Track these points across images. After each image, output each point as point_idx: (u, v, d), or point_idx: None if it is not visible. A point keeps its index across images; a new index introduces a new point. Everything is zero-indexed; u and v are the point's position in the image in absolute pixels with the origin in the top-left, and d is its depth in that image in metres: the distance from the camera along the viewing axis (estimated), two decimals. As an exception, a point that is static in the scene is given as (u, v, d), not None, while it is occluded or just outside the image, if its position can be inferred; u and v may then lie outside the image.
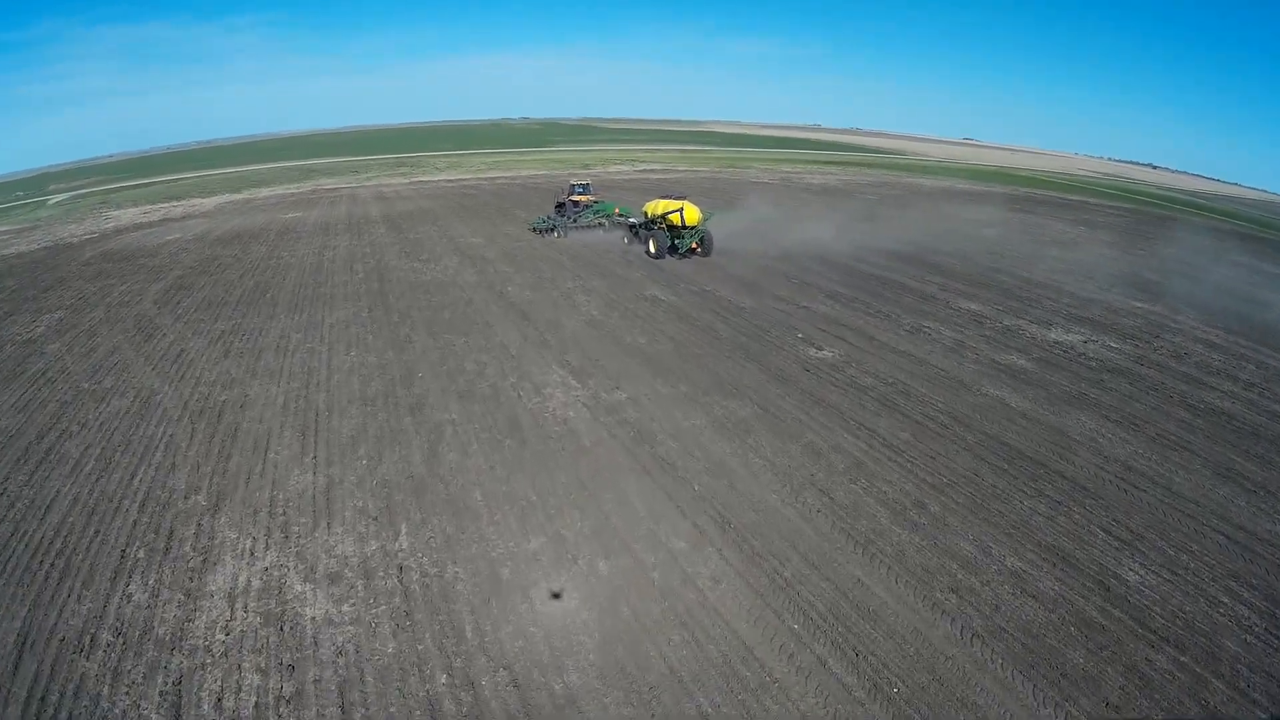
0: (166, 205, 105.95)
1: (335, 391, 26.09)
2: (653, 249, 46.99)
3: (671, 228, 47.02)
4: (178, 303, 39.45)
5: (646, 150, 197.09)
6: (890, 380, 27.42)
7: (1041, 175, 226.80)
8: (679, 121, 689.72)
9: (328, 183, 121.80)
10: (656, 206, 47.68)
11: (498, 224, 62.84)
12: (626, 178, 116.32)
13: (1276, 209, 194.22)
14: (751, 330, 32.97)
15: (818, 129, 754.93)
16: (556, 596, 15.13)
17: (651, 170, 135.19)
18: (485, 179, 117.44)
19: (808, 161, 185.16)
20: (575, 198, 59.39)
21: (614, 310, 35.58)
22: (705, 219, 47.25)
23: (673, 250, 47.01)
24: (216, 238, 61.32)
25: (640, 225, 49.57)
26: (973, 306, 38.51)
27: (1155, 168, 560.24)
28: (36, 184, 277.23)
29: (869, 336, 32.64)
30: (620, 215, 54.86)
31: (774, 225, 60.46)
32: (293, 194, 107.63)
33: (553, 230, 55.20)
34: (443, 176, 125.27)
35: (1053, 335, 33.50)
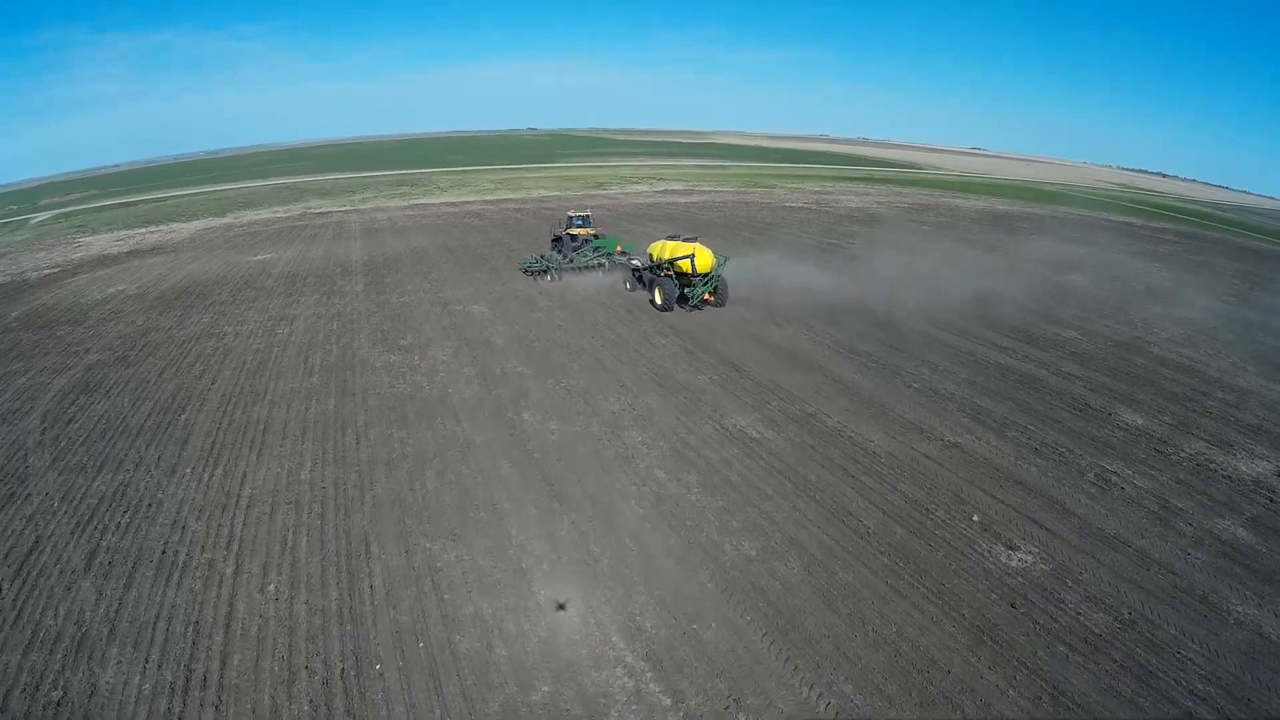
0: (142, 231, 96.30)
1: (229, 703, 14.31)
2: (659, 300, 40.50)
3: (680, 275, 40.23)
4: (69, 423, 27.99)
5: (665, 166, 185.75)
6: (1123, 611, 16.83)
7: (1069, 190, 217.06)
8: (686, 133, 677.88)
9: (319, 206, 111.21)
10: (664, 249, 41.01)
11: (504, 274, 50.55)
12: (648, 200, 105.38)
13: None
14: (903, 508, 20.93)
15: (824, 139, 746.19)
16: None
17: (673, 190, 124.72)
18: (491, 202, 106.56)
19: (833, 179, 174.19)
20: (574, 231, 53.96)
21: (688, 467, 23.17)
22: (720, 264, 40.50)
23: (682, 300, 40.40)
24: (160, 294, 49.52)
25: (645, 269, 43.04)
26: (1138, 421, 27.67)
27: (1165, 176, 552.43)
28: (36, 195, 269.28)
29: (1060, 507, 21.21)
30: (622, 253, 49.15)
31: (841, 271, 50.92)
32: (278, 219, 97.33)
33: (545, 273, 48.20)
34: (445, 199, 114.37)
35: (1241, 466, 24.48)
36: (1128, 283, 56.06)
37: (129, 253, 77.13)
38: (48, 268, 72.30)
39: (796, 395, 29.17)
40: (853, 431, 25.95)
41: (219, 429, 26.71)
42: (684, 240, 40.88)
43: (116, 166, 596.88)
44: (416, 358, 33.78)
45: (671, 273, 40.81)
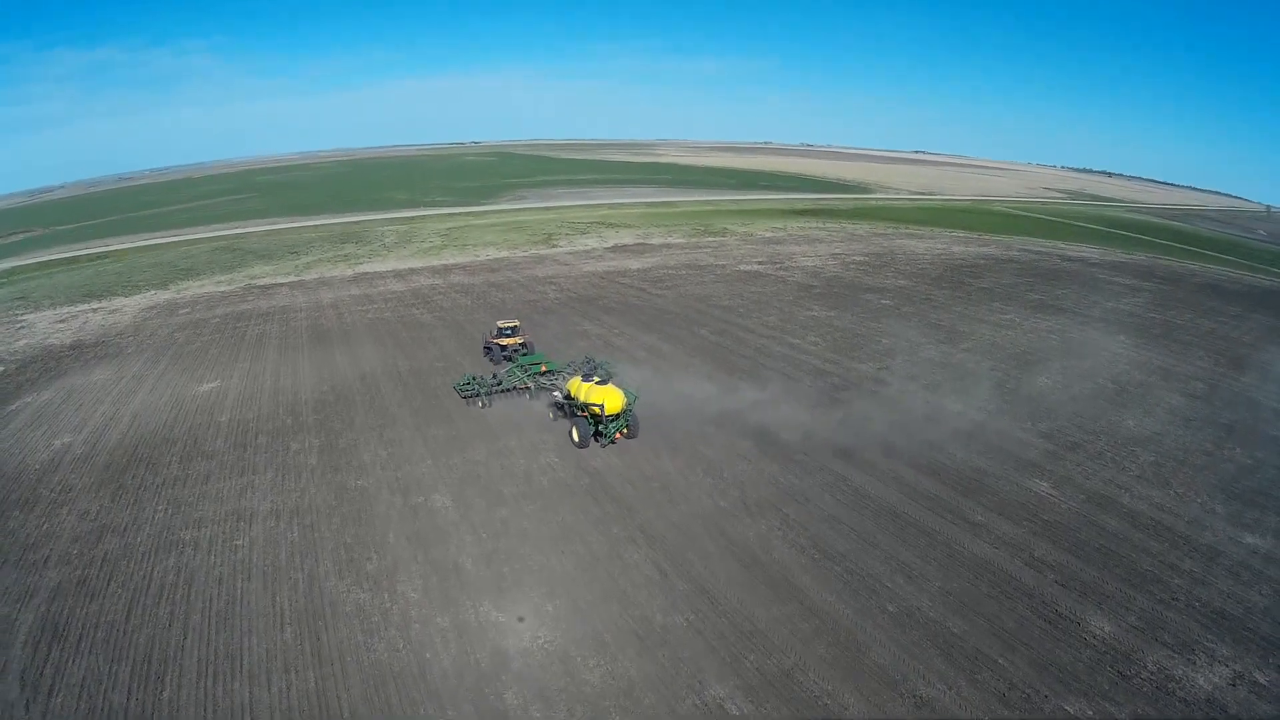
0: (85, 309, 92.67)
1: None
2: (576, 438, 44.34)
3: (594, 416, 43.96)
4: (51, 694, 25.60)
5: (613, 206, 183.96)
6: None
7: (1020, 210, 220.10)
8: (630, 145, 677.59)
9: (261, 275, 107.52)
10: (580, 389, 44.90)
11: (457, 423, 48.44)
12: (601, 269, 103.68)
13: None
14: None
15: (769, 146, 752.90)
16: None
17: (624, 247, 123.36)
18: (438, 271, 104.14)
19: (784, 213, 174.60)
20: (503, 341, 60.11)
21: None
22: (630, 402, 44.50)
23: (597, 436, 44.32)
24: (109, 456, 45.15)
25: (565, 401, 46.76)
26: (1105, 628, 28.64)
27: (1110, 175, 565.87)
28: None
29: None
30: (547, 372, 53.96)
31: (811, 412, 49.46)
32: (220, 296, 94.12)
33: (476, 397, 51.47)
34: (391, 265, 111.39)
35: (1199, 679, 26.23)
36: (1096, 381, 57.47)
37: (71, 346, 74.04)
38: None
39: (774, 643, 28.02)
40: (829, 696, 25.32)
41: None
42: (597, 383, 44.52)
43: (62, 186, 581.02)
44: (386, 598, 31.47)
45: (586, 414, 44.41)
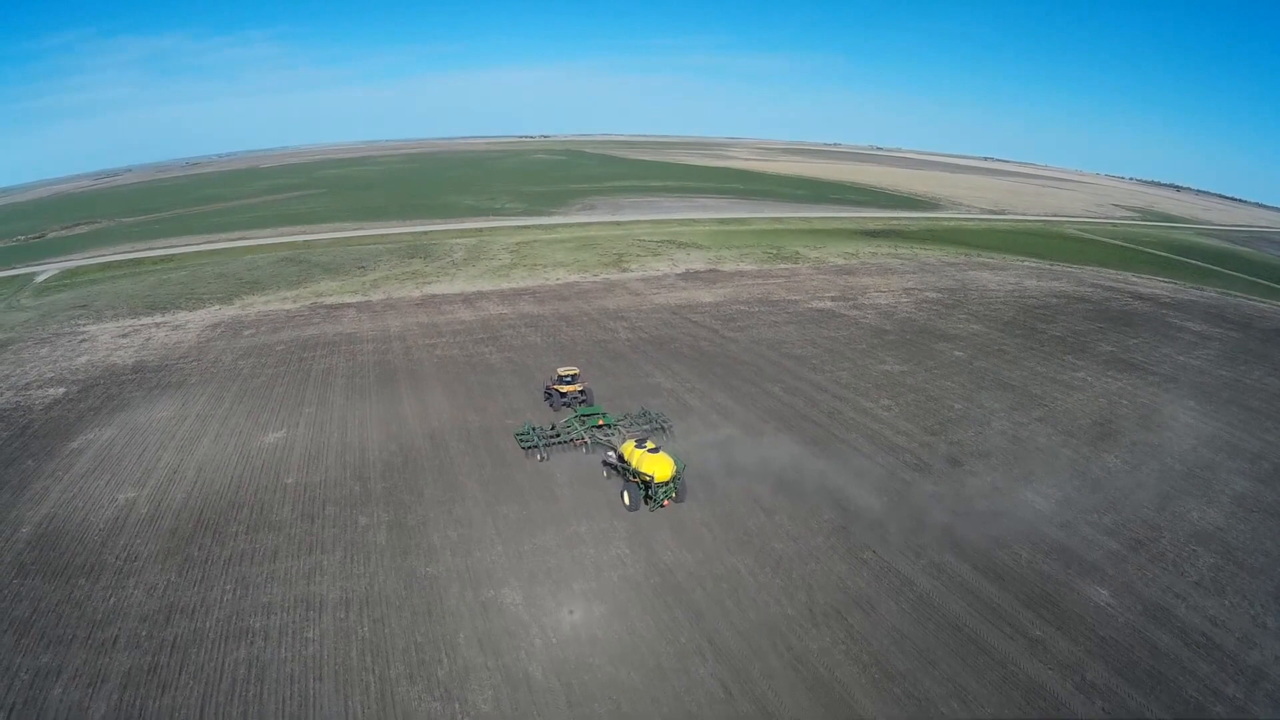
0: (149, 321, 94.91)
1: None
2: (627, 501, 46.17)
3: (645, 483, 45.32)
4: None
5: (684, 222, 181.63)
6: None
7: (1086, 230, 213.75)
8: (702, 143, 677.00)
9: (328, 293, 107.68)
10: (631, 455, 46.61)
11: (527, 498, 47.35)
12: (672, 302, 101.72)
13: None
14: None
15: (838, 148, 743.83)
16: None
17: (695, 273, 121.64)
18: (508, 300, 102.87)
19: (855, 235, 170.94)
20: (563, 388, 61.83)
21: None
22: (679, 470, 45.89)
23: (647, 500, 45.69)
24: (174, 520, 44.78)
25: (617, 462, 48.15)
26: None
27: (1179, 189, 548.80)
28: (43, 213, 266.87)
29: None
30: (605, 426, 55.48)
31: (899, 501, 48.04)
32: (285, 317, 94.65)
33: (535, 449, 52.93)
34: (458, 288, 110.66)
35: None
36: (1163, 461, 55.62)
37: (133, 368, 74.83)
38: (51, 383, 71.30)
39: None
40: None
41: None
42: (650, 450, 46.07)
43: (129, 170, 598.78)
44: (457, 708, 30.89)
45: (638, 480, 45.65)
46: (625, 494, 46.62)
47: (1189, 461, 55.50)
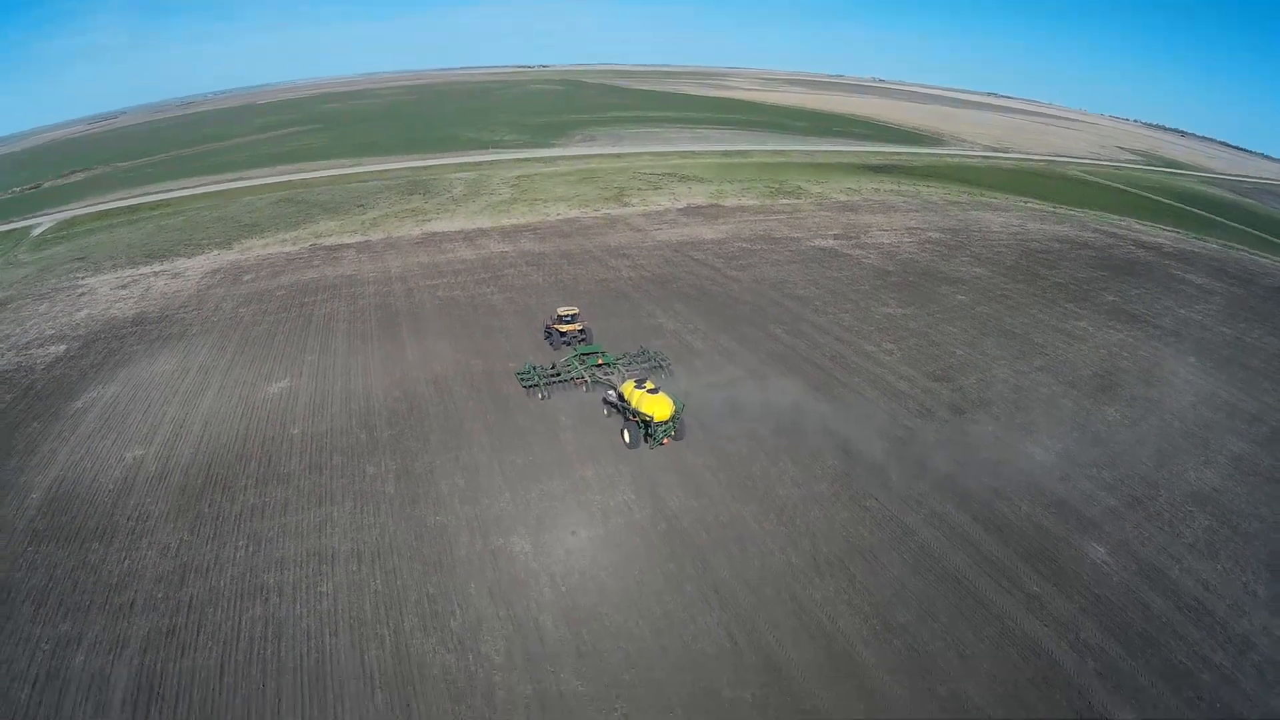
0: (147, 270, 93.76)
1: None
2: (628, 439, 47.31)
3: (645, 423, 46.26)
4: None
5: (685, 154, 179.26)
6: None
7: (1090, 172, 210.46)
8: (702, 73, 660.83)
9: (326, 233, 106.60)
10: (632, 395, 47.45)
11: (533, 446, 47.73)
12: (673, 238, 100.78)
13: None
14: None
15: (840, 80, 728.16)
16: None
17: (697, 207, 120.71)
18: (509, 237, 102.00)
19: (854, 169, 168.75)
20: (562, 327, 62.94)
21: None
22: (678, 410, 46.55)
23: (647, 438, 46.70)
24: (183, 476, 45.19)
25: (618, 402, 49.01)
26: None
27: (1183, 134, 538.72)
28: (41, 162, 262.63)
29: None
30: (604, 365, 56.06)
31: (902, 449, 48.53)
32: (284, 260, 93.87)
33: (535, 388, 54.07)
34: (459, 225, 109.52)
35: None
36: (1163, 417, 55.86)
37: (134, 320, 74.45)
38: (52, 340, 70.69)
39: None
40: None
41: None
42: (649, 390, 46.64)
43: (124, 112, 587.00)
44: (471, 660, 31.89)
45: (637, 419, 46.71)
46: (625, 432, 47.73)
47: (1188, 419, 55.61)
